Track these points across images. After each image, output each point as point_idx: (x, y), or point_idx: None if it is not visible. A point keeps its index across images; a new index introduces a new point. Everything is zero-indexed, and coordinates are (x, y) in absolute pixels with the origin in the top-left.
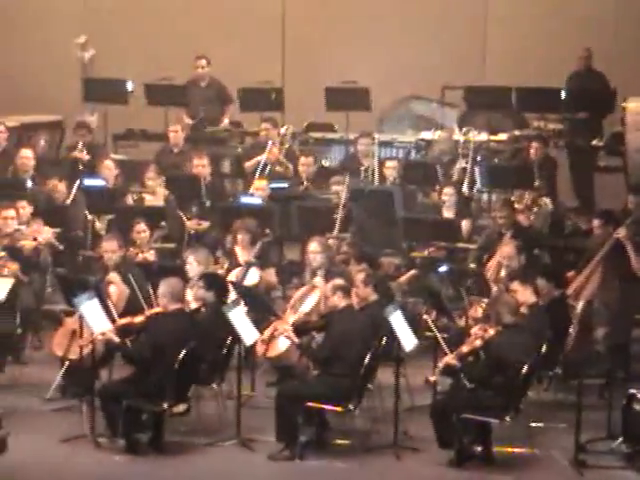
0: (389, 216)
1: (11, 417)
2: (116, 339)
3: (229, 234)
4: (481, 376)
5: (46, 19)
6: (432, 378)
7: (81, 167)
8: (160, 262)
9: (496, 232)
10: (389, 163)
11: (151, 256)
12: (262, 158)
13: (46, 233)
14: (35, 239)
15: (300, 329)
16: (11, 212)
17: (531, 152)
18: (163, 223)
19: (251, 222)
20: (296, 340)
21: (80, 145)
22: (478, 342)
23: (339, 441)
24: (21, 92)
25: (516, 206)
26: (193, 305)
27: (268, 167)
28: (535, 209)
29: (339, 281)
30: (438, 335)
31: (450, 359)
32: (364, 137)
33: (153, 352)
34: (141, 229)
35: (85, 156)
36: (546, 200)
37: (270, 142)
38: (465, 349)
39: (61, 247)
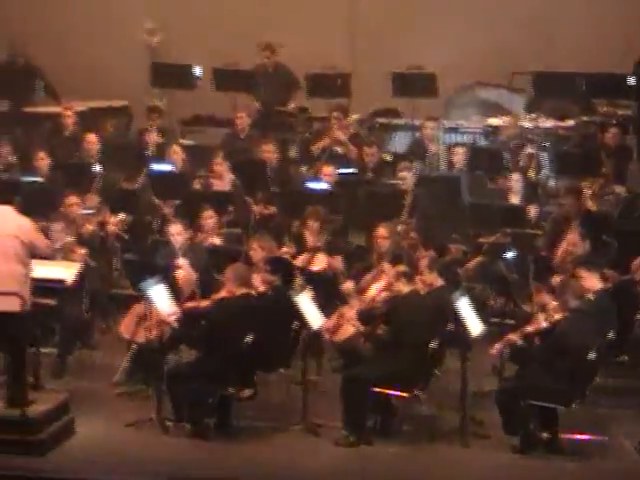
0: (456, 202)
1: (79, 401)
2: (178, 325)
3: (296, 219)
4: (543, 359)
5: (114, 4)
6: (493, 351)
7: (149, 152)
8: (226, 247)
9: (563, 218)
10: (457, 149)
11: (218, 241)
12: (326, 141)
13: (113, 221)
14: (102, 224)
15: (366, 316)
16: (73, 198)
17: (607, 137)
18: (230, 208)
19: (322, 209)
20: (361, 328)
21: (154, 128)
22: (544, 323)
23: (405, 426)
24: (89, 77)
25: (585, 192)
26: (260, 289)
27: (331, 149)
28: (609, 197)
29: (402, 267)
30: None
31: (513, 335)
32: (430, 122)
33: (219, 336)
34: (209, 215)
35: (159, 139)
36: (620, 188)
37: (335, 126)
38: (529, 328)
39: (126, 237)
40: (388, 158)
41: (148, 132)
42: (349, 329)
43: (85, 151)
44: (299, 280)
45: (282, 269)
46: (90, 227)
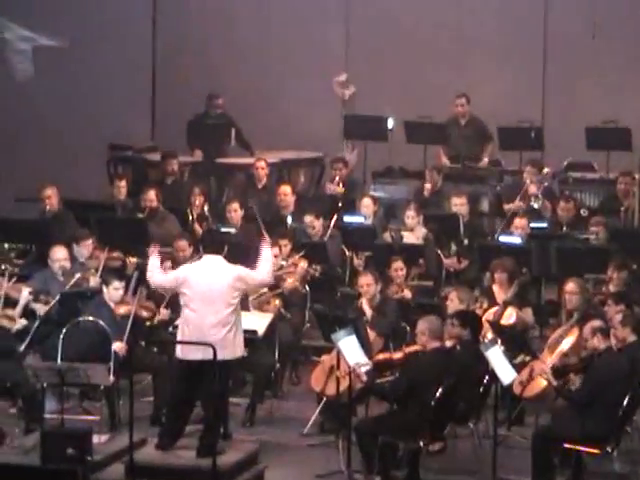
0: None
1: (268, 451)
2: (369, 377)
3: (487, 273)
4: None
5: (307, 57)
6: None
7: (340, 204)
8: (417, 300)
9: None
10: None
11: (408, 294)
12: (518, 201)
13: (302, 270)
14: (293, 273)
15: (558, 371)
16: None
17: None
18: (421, 261)
19: (509, 261)
20: (554, 382)
21: (337, 179)
22: None
23: None
24: (283, 129)
25: None
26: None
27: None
28: None
29: (598, 322)
30: None
31: None
32: (625, 177)
33: (410, 389)
34: (399, 266)
35: (340, 188)
36: None
37: (528, 180)
38: None
39: (317, 274)
40: (584, 213)
41: (332, 183)
42: (540, 384)
43: (279, 202)
44: (490, 334)
45: (471, 322)
46: (290, 282)
